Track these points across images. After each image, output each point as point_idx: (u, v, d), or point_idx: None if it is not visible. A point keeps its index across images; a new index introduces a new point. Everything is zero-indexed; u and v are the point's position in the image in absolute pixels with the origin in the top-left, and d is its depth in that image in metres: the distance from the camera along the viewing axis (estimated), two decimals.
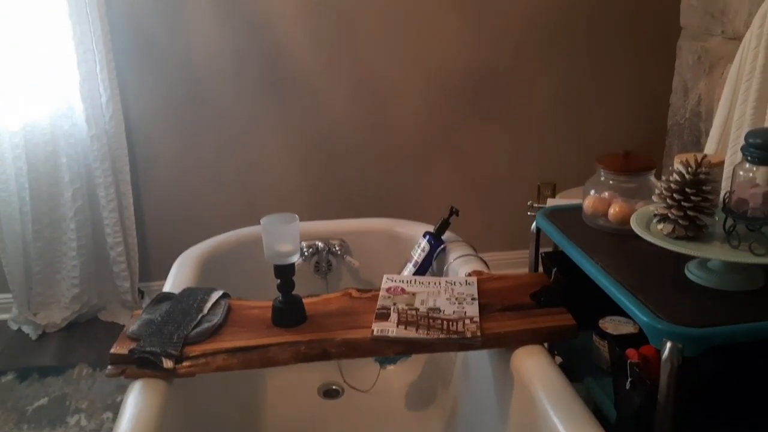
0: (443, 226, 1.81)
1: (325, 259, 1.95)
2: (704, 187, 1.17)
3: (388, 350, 1.29)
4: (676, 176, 1.19)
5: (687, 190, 1.16)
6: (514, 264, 2.72)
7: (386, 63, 2.50)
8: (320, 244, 1.93)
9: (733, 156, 1.47)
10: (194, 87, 2.43)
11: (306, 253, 1.92)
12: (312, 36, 2.43)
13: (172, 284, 1.55)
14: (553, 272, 1.52)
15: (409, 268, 1.78)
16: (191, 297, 1.38)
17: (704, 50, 2.00)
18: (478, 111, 2.61)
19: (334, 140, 2.57)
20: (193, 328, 1.27)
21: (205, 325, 1.28)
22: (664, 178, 1.23)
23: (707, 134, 1.86)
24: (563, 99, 2.63)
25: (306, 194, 2.62)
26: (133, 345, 1.23)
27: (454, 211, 1.81)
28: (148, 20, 2.33)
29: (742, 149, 1.15)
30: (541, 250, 1.61)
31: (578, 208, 1.52)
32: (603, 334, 1.34)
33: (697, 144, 2.04)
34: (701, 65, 2.02)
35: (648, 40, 2.58)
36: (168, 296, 1.41)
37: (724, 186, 1.26)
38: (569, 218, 1.49)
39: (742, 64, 1.53)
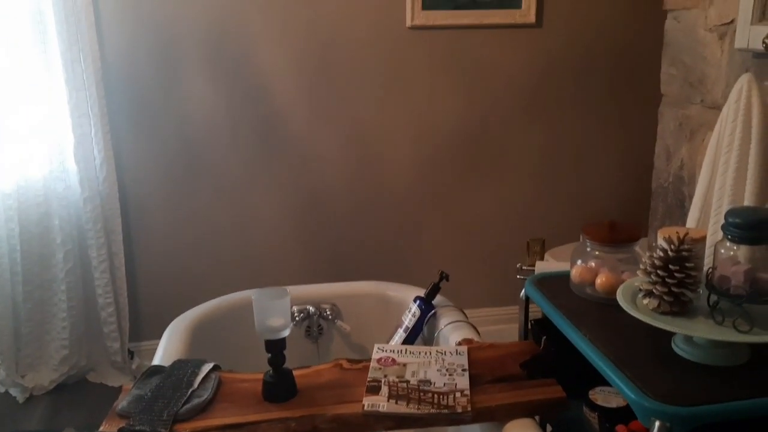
0: (433, 291, 1.83)
1: (316, 324, 1.95)
2: (687, 264, 1.19)
3: (379, 425, 1.28)
4: (660, 252, 1.22)
5: (671, 266, 1.19)
6: (504, 320, 2.73)
7: (377, 123, 2.56)
8: (311, 309, 1.94)
9: (714, 227, 1.50)
10: (188, 149, 2.47)
11: (297, 318, 1.93)
12: (305, 97, 2.49)
13: (162, 356, 1.55)
14: (543, 340, 1.54)
15: (400, 334, 1.78)
16: (181, 370, 1.38)
17: (685, 117, 2.07)
18: (467, 168, 2.65)
19: (325, 199, 2.60)
20: (183, 404, 1.27)
21: (195, 401, 1.28)
22: (648, 253, 1.26)
23: (690, 198, 1.90)
24: (551, 157, 2.69)
25: (298, 252, 2.64)
26: (122, 423, 1.22)
27: (444, 276, 1.83)
28: (144, 84, 2.38)
29: (723, 228, 1.18)
30: (532, 316, 1.62)
31: (566, 275, 1.54)
32: (593, 406, 1.34)
33: (681, 207, 2.08)
34: (683, 131, 2.08)
35: (631, 103, 2.65)
36: (158, 370, 1.41)
37: (707, 261, 1.29)
38: (557, 286, 1.51)
39: (721, 136, 1.58)
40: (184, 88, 2.40)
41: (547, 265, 2.03)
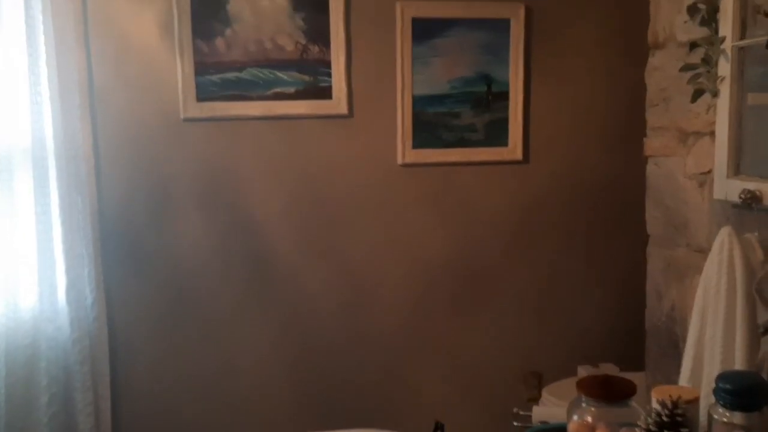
0: None
1: None
2: (681, 429, 1.17)
3: None
4: (654, 415, 1.20)
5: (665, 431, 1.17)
6: None
7: (368, 259, 2.58)
8: None
9: (707, 389, 1.47)
10: (179, 289, 2.47)
11: None
12: (297, 234, 2.53)
13: None
14: None
15: None
16: None
17: (672, 259, 2.10)
18: (459, 305, 2.65)
19: (315, 338, 2.58)
20: None
21: None
22: (643, 416, 1.24)
23: (684, 340, 1.89)
24: (543, 292, 2.69)
25: (287, 394, 2.57)
26: None
27: (439, 427, 1.78)
28: (138, 224, 2.42)
29: (715, 392, 1.17)
30: None
31: (563, 429, 1.50)
32: None
33: (675, 347, 2.07)
34: (671, 272, 2.11)
35: (619, 241, 2.67)
36: None
37: (703, 422, 1.27)
38: None
39: (707, 287, 1.60)
40: (177, 228, 2.44)
41: (545, 411, 1.99)
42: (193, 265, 2.47)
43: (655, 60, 2.30)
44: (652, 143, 2.30)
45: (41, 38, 2.20)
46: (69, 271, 2.28)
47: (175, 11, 2.34)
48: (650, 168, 2.27)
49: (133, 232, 2.42)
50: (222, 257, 2.48)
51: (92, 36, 2.31)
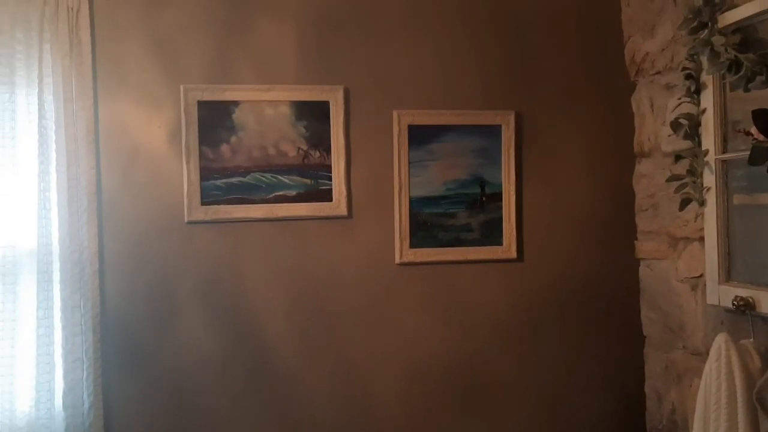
0: None
1: None
2: None
3: None
4: None
5: None
6: None
7: (365, 359, 2.58)
8: None
9: None
10: (177, 391, 2.45)
11: None
12: (295, 334, 2.53)
13: None
14: None
15: None
16: None
17: (670, 361, 2.13)
18: (456, 404, 2.63)
19: None
20: None
21: None
22: None
23: None
24: (541, 390, 2.68)
25: None
26: None
27: None
28: (138, 325, 2.42)
29: None
30: None
31: None
32: None
33: None
34: (669, 374, 2.13)
35: (615, 341, 2.67)
36: None
37: None
38: None
39: (708, 393, 1.62)
40: (178, 330, 2.45)
41: None
42: (193, 367, 2.45)
43: (642, 167, 2.41)
44: (643, 246, 2.38)
45: (53, 146, 2.29)
46: (67, 375, 2.27)
47: (183, 120, 2.45)
48: (643, 270, 2.34)
49: (133, 334, 2.42)
50: (222, 357, 2.47)
51: (103, 143, 2.40)
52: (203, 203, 2.48)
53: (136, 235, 2.42)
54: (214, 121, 2.49)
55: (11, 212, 2.26)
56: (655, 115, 2.25)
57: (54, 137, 2.29)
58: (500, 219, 2.71)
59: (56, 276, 2.28)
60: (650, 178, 2.33)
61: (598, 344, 2.70)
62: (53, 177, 2.29)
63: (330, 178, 2.58)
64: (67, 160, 2.29)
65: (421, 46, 2.63)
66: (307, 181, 2.57)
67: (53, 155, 2.29)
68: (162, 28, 2.45)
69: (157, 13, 2.45)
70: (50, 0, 2.27)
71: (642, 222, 2.32)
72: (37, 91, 2.27)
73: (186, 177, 2.45)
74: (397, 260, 2.62)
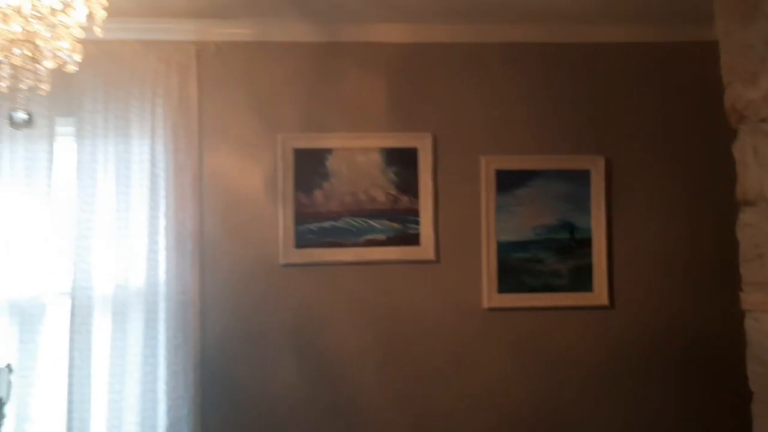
0: None
1: None
2: None
3: None
4: None
5: None
6: None
7: (448, 405, 2.57)
8: None
9: None
10: (273, 427, 2.50)
11: None
12: (383, 378, 2.56)
13: None
14: None
15: None
16: None
17: None
18: None
19: None
20: None
21: None
22: None
23: None
24: None
25: None
26: None
27: None
28: (235, 364, 2.51)
29: None
30: None
31: None
32: None
33: None
34: None
35: (711, 396, 2.56)
36: None
37: None
38: None
39: None
40: (271, 369, 2.52)
41: None
42: (286, 405, 2.51)
43: (746, 216, 2.31)
44: (748, 298, 2.26)
45: (161, 193, 2.45)
46: (170, 412, 2.37)
47: (279, 166, 2.57)
48: (749, 322, 2.22)
49: (231, 373, 2.50)
50: (312, 397, 2.52)
51: (206, 189, 2.54)
52: (297, 246, 2.57)
53: (234, 276, 2.53)
54: (308, 168, 2.60)
55: (123, 253, 2.41)
56: (759, 163, 2.16)
57: (163, 184, 2.45)
58: (590, 265, 2.67)
59: (162, 315, 2.41)
60: (755, 228, 2.23)
61: (698, 400, 2.59)
62: (161, 222, 2.44)
63: (418, 223, 2.63)
64: (175, 206, 2.44)
65: (507, 92, 2.67)
66: (396, 225, 2.63)
67: (162, 201, 2.44)
68: (261, 81, 2.60)
69: (257, 69, 2.60)
70: (163, 57, 2.46)
71: (748, 272, 2.20)
72: (149, 142, 2.45)
73: (281, 221, 2.55)
74: (485, 305, 2.62)
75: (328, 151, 2.61)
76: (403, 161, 2.64)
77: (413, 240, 2.63)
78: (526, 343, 2.62)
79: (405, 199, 2.64)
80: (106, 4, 1.41)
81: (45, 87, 1.40)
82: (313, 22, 2.55)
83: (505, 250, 2.65)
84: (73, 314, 2.35)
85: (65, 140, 2.45)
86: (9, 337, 2.33)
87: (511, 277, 2.65)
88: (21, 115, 1.43)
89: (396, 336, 2.58)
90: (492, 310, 2.62)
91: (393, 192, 2.64)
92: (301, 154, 2.59)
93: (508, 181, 2.67)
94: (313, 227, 2.59)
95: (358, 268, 2.60)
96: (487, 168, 2.65)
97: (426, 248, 2.62)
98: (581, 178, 2.68)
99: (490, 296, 2.63)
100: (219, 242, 2.54)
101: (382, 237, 2.62)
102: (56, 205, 2.42)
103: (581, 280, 2.67)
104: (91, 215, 2.40)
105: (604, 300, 2.65)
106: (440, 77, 2.66)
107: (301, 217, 2.58)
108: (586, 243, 2.67)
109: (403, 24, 2.60)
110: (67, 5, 1.31)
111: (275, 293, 2.55)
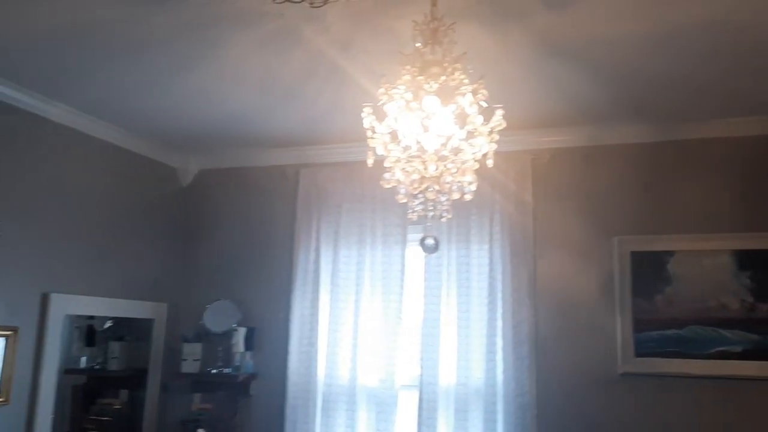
0: None
1: None
2: None
3: None
4: None
5: None
6: None
7: None
8: None
9: None
10: None
11: None
12: None
13: None
14: None
15: None
16: None
17: None
18: None
19: None
20: None
21: None
22: None
23: None
24: None
25: None
26: None
27: None
28: None
29: None
30: None
31: None
32: None
33: None
34: None
35: None
36: None
37: None
38: None
39: None
40: None
41: None
42: None
43: None
44: None
45: (499, 295, 2.55)
46: None
47: (616, 271, 2.50)
48: None
49: None
50: None
51: (539, 292, 2.58)
52: (637, 355, 2.44)
53: (570, 382, 2.50)
54: (647, 272, 2.48)
55: (464, 352, 2.55)
56: None
57: (500, 287, 2.56)
58: None
59: (500, 416, 2.47)
60: None
61: None
62: (499, 323, 2.54)
63: None
64: (512, 309, 2.52)
65: None
66: (753, 336, 2.34)
67: (499, 303, 2.55)
68: (593, 185, 2.60)
69: (590, 172, 2.61)
70: (501, 168, 2.60)
71: None
72: (487, 247, 2.60)
73: (619, 327, 2.46)
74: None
75: (670, 253, 2.47)
76: (760, 264, 2.37)
77: None
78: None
79: (764, 308, 2.35)
80: (497, 137, 1.54)
81: (448, 215, 1.56)
82: (644, 122, 2.50)
83: None
84: (420, 407, 2.55)
85: (414, 247, 2.73)
86: (368, 422, 2.62)
87: None
88: (430, 242, 1.63)
89: None
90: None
91: (748, 299, 2.36)
92: (639, 257, 2.49)
93: None
94: (654, 335, 2.44)
95: (704, 382, 2.36)
96: None
97: None
98: None
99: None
100: (554, 345, 2.53)
101: (737, 349, 2.35)
102: (407, 304, 2.69)
103: None
104: (436, 314, 2.60)
105: None
106: None
107: (640, 323, 2.45)
108: None
109: (752, 117, 2.40)
110: (471, 142, 1.47)
111: (612, 404, 2.44)
